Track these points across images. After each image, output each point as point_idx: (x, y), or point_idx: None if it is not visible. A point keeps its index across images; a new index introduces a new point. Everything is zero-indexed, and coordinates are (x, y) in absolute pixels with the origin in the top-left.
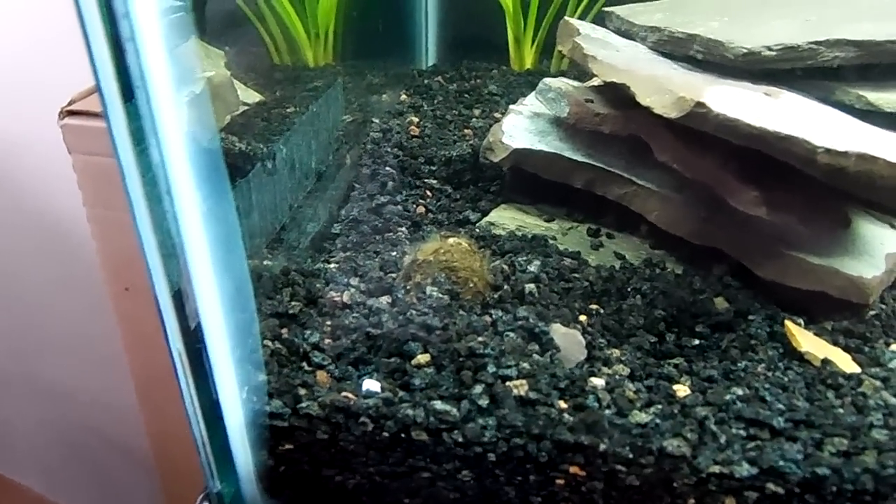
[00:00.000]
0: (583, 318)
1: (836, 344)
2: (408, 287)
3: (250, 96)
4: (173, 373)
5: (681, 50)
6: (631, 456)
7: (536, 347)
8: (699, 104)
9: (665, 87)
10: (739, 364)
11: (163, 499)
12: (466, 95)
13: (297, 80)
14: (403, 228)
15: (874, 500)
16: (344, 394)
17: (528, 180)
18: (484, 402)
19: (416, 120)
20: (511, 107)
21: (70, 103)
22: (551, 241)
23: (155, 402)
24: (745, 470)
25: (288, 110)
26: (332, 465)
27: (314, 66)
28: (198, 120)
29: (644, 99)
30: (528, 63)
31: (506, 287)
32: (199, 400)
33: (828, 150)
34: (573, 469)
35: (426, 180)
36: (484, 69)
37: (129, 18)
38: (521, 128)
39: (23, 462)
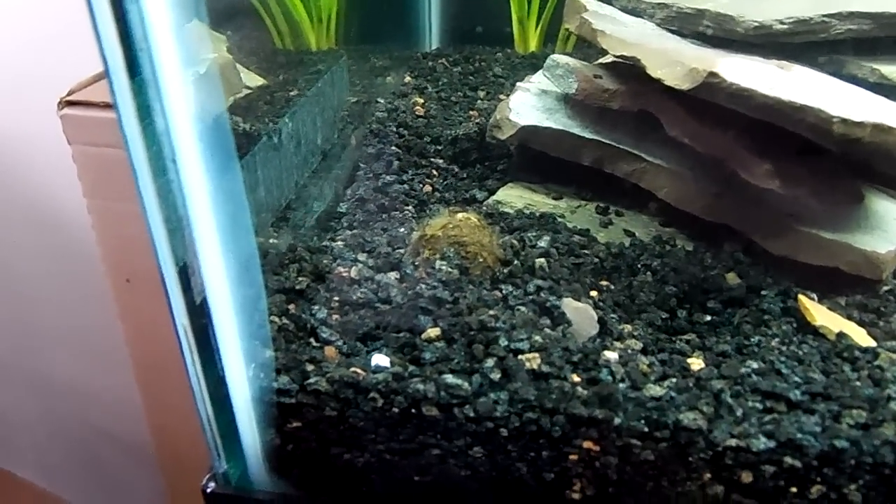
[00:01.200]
0: (594, 293)
1: (850, 318)
2: (416, 263)
3: (253, 80)
4: (178, 350)
5: (689, 26)
6: (646, 430)
7: (548, 322)
8: (712, 74)
9: (676, 59)
10: (753, 339)
11: (164, 492)
12: (471, 77)
13: (300, 63)
14: (410, 207)
15: (894, 473)
16: (353, 369)
17: (536, 159)
18: (496, 375)
19: (420, 101)
20: (518, 84)
21: (69, 93)
22: (559, 219)
23: (156, 395)
24: (762, 443)
25: (291, 93)
26: (340, 442)
27: (317, 49)
28: (206, 97)
29: (655, 71)
30: (533, 46)
31: (516, 262)
32: (204, 377)
33: (843, 120)
34: (587, 444)
35: (432, 159)
36: (488, 52)
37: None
38: (529, 105)
39: (23, 456)
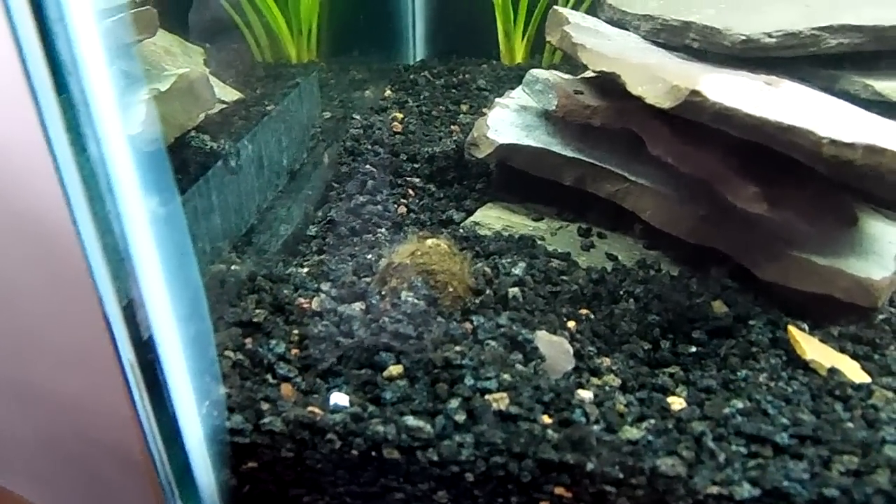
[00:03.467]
0: (571, 323)
1: (843, 351)
2: (382, 292)
3: (229, 94)
4: (125, 388)
5: (675, 39)
6: (621, 476)
7: (520, 357)
8: (694, 92)
9: (658, 75)
10: (739, 373)
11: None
12: (454, 91)
13: (278, 77)
14: (383, 229)
15: None
16: (310, 408)
17: (516, 178)
18: (461, 417)
19: (399, 116)
20: (497, 100)
21: None
22: (539, 242)
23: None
24: (746, 491)
25: (268, 108)
26: (299, 484)
27: (297, 62)
28: (154, 118)
29: (635, 88)
30: (519, 57)
31: (488, 291)
32: (154, 415)
33: (833, 142)
34: (558, 490)
35: (408, 178)
36: (473, 64)
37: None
38: (508, 122)
39: (14, 470)
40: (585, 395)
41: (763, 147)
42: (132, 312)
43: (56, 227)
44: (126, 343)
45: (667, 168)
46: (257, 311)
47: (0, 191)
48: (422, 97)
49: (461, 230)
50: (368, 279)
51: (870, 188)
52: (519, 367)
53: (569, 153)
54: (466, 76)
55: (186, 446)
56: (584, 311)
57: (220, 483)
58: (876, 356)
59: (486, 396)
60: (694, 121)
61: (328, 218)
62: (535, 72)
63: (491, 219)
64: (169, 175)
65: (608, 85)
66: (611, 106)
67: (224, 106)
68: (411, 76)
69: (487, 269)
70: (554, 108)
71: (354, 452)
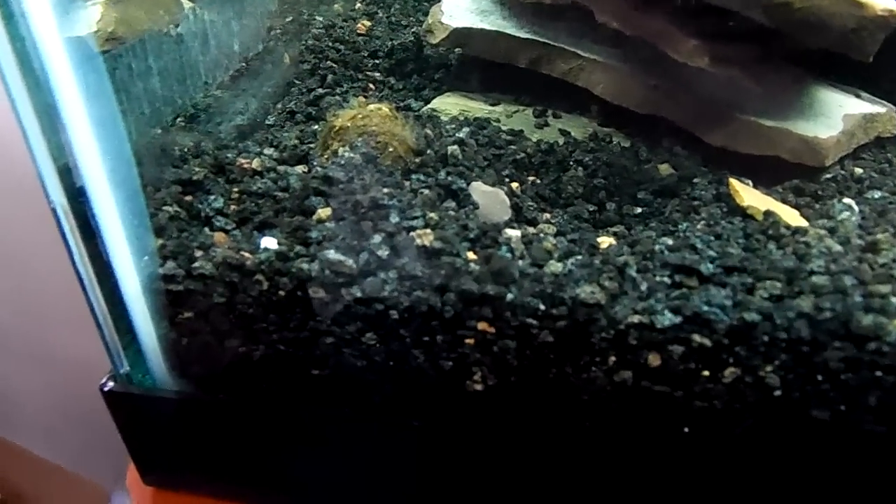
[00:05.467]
0: (515, 185)
1: (784, 202)
2: (325, 156)
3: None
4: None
5: None
6: (542, 307)
7: (452, 204)
8: None
9: None
10: (680, 226)
11: None
12: (426, 3)
13: None
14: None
15: (811, 350)
16: (240, 252)
17: (475, 67)
18: (383, 252)
19: (367, 23)
20: None
21: None
22: (494, 123)
23: None
24: (667, 319)
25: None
26: (233, 334)
27: None
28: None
29: None
30: None
31: (429, 151)
32: (93, 269)
33: None
34: (481, 325)
35: (369, 73)
36: None
37: None
38: (462, 7)
39: (26, 426)
40: (513, 233)
41: (706, 5)
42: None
43: None
44: (57, 189)
45: (617, 41)
46: (197, 170)
47: (21, 157)
48: (392, 9)
49: (417, 115)
50: (312, 145)
51: (811, 40)
52: (450, 212)
53: (523, 35)
54: None
55: (126, 300)
56: (530, 178)
57: (160, 339)
58: (817, 205)
59: (411, 234)
60: None
61: (287, 109)
62: None
63: (448, 105)
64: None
65: None
66: None
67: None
68: None
69: (429, 132)
70: None
71: (282, 293)
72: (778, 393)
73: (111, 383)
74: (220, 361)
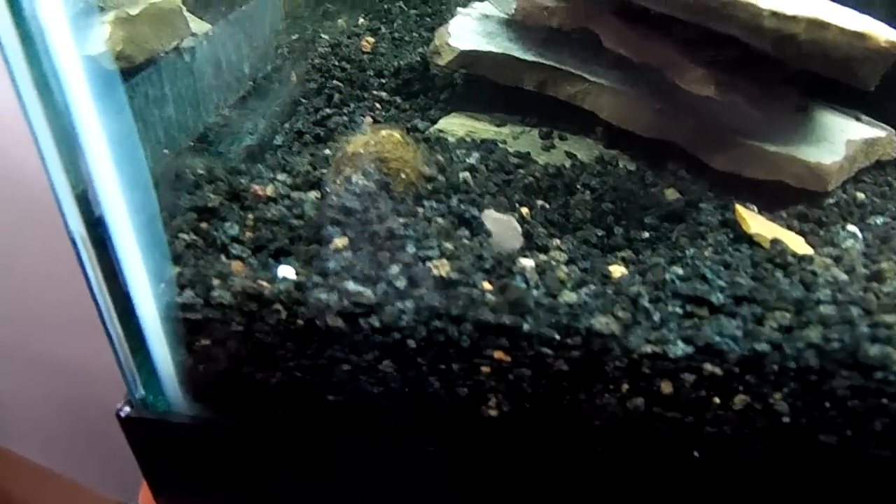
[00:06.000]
0: (524, 210)
1: (790, 228)
2: (337, 181)
3: (203, 28)
4: (79, 267)
5: None
6: (557, 337)
7: (466, 233)
8: None
9: None
10: (688, 251)
11: None
12: (428, 19)
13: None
14: (348, 138)
15: (819, 379)
16: (258, 281)
17: (480, 88)
18: (401, 283)
19: (371, 40)
20: (459, 9)
21: None
22: (501, 145)
23: None
24: (679, 349)
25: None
26: (250, 361)
27: None
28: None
29: None
30: None
31: (440, 178)
32: (110, 295)
33: (774, 14)
34: (497, 354)
35: (375, 92)
36: None
37: None
38: (469, 29)
39: (21, 432)
40: (527, 263)
41: (712, 34)
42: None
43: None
44: (77, 218)
45: (624, 67)
46: (213, 197)
47: (8, 161)
48: (395, 25)
49: (425, 137)
50: (325, 171)
51: (815, 68)
52: (464, 241)
53: (529, 57)
54: (442, 7)
55: (143, 327)
56: (539, 202)
57: (177, 365)
58: (822, 232)
59: (427, 264)
60: (645, 11)
61: (295, 129)
62: None
63: (455, 126)
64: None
65: None
66: (567, 6)
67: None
68: (386, 6)
69: (441, 158)
70: (514, 12)
71: (300, 322)
72: (786, 419)
73: (127, 408)
74: (236, 387)
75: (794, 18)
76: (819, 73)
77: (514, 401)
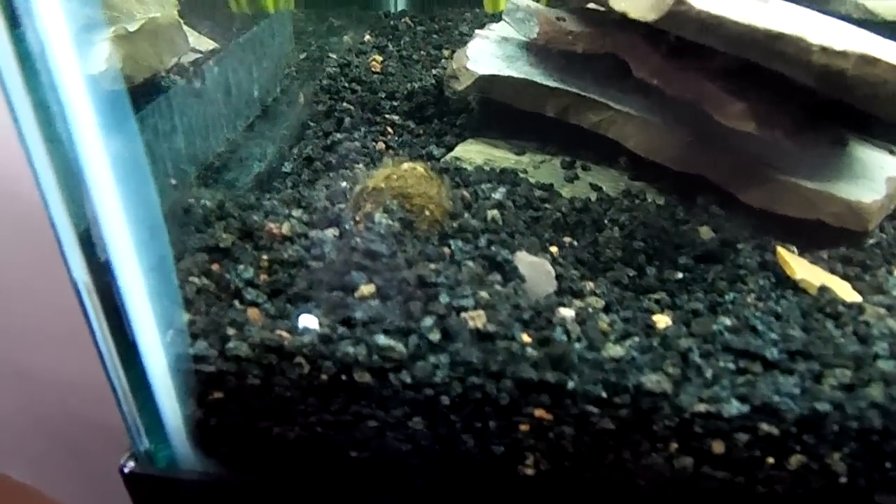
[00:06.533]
0: (554, 249)
1: (833, 272)
2: (356, 218)
3: (203, 44)
4: (82, 313)
5: None
6: (604, 395)
7: (499, 278)
8: (679, 2)
9: None
10: (727, 296)
11: None
12: (435, 36)
13: (254, 27)
14: (361, 165)
15: (882, 439)
16: (277, 332)
17: (498, 113)
18: (435, 336)
19: (379, 58)
20: (477, 31)
21: None
22: (522, 175)
23: None
24: (734, 408)
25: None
26: (268, 415)
27: (274, 11)
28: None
29: (619, 4)
30: (502, 5)
31: (466, 215)
32: (114, 344)
33: (824, 49)
34: (539, 412)
35: (387, 116)
36: (455, 13)
37: None
38: (488, 53)
39: (2, 450)
40: (567, 313)
41: (751, 66)
42: (88, 234)
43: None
44: (80, 264)
45: (652, 95)
46: (224, 236)
47: None
48: (402, 42)
49: (441, 165)
50: (343, 206)
51: (861, 105)
52: (498, 287)
53: (551, 83)
54: (448, 23)
55: (150, 377)
56: (567, 239)
57: (186, 417)
58: (867, 277)
59: (462, 314)
60: (679, 40)
61: (304, 155)
62: (517, 0)
63: (472, 153)
64: (125, 103)
65: (591, 13)
66: (594, 31)
67: (199, 55)
68: (392, 23)
69: (466, 194)
70: (536, 36)
71: (324, 377)
72: (843, 479)
73: (131, 463)
74: (251, 441)
75: (843, 54)
76: (865, 110)
77: (554, 459)
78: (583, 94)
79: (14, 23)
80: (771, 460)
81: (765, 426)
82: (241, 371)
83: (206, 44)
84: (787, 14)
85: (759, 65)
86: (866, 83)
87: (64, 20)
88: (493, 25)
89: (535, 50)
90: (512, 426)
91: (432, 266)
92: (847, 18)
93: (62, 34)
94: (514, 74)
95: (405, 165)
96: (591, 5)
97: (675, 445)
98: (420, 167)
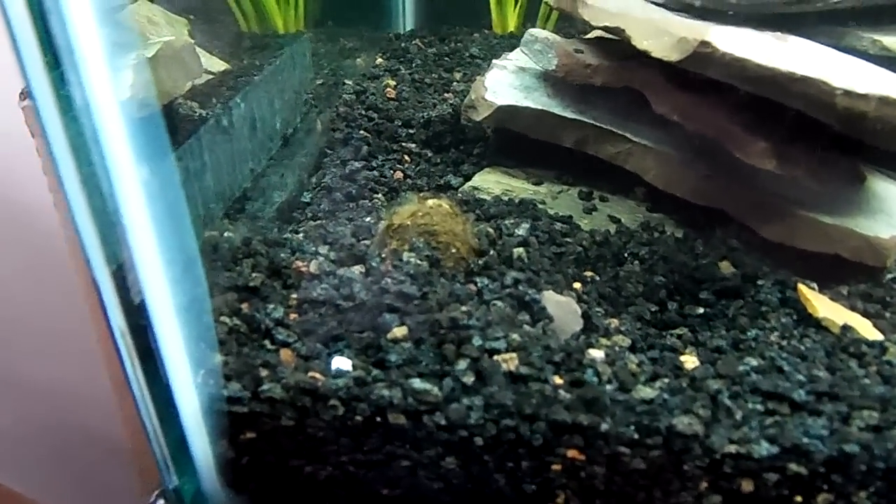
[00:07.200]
0: (577, 285)
1: (853, 309)
2: (383, 254)
3: (215, 65)
4: (116, 356)
5: None
6: (636, 436)
7: (527, 317)
8: (704, 43)
9: (664, 28)
10: (749, 333)
11: (141, 494)
12: (446, 59)
13: (265, 47)
14: (380, 195)
15: None
16: (311, 374)
17: (515, 142)
18: (469, 379)
19: (392, 83)
20: (494, 61)
21: None
22: (540, 206)
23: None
24: (764, 449)
25: (255, 78)
26: (300, 454)
27: (284, 33)
28: (143, 83)
29: (641, 42)
30: (511, 26)
31: (492, 252)
32: (147, 385)
33: (847, 93)
34: (571, 453)
35: (404, 144)
36: (465, 33)
37: None
38: (506, 83)
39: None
40: (597, 354)
41: (771, 103)
42: (122, 277)
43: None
44: (116, 309)
45: (670, 128)
46: (254, 275)
47: None
48: (414, 65)
49: (459, 195)
50: (368, 242)
51: (882, 143)
52: (527, 327)
53: (569, 115)
54: (458, 44)
55: (182, 417)
56: (588, 274)
57: (217, 455)
58: (887, 314)
59: (496, 357)
60: (700, 77)
61: (323, 184)
62: (535, 31)
63: (490, 183)
64: (162, 137)
65: (609, 45)
66: (612, 65)
67: (211, 77)
68: (402, 44)
69: (490, 230)
70: (553, 67)
71: (358, 418)
72: None
73: (161, 502)
74: (282, 480)
75: (865, 97)
76: (884, 147)
77: (584, 497)
78: (600, 125)
79: (55, 63)
80: (799, 499)
81: (793, 466)
82: (275, 412)
83: (218, 65)
84: (806, 53)
85: (780, 104)
86: (888, 124)
87: (102, 55)
88: (510, 55)
89: (553, 80)
90: (544, 466)
91: (463, 308)
92: (863, 55)
93: (98, 49)
94: (532, 105)
95: (430, 202)
96: (610, 36)
97: (704, 485)
98: (445, 204)
